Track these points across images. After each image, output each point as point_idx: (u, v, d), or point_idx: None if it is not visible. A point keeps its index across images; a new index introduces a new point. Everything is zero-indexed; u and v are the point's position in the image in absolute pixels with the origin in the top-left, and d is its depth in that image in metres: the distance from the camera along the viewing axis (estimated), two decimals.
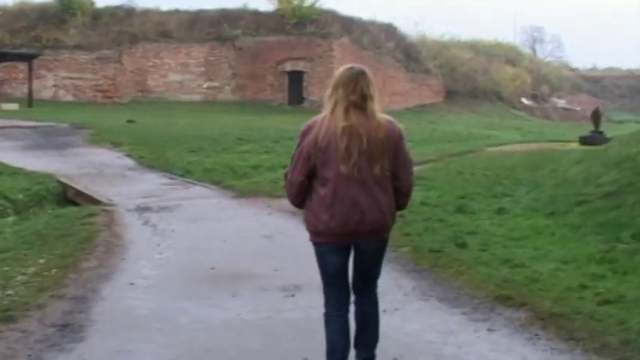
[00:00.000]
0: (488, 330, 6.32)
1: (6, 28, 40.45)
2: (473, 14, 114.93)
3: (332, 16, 43.41)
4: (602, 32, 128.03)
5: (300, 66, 41.96)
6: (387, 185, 4.90)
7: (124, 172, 17.25)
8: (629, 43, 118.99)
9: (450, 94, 52.29)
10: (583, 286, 7.43)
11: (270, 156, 20.07)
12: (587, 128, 29.40)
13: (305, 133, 4.91)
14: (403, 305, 7.00)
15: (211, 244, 9.90)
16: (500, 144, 27.16)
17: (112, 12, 42.50)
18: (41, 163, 17.60)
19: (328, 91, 4.92)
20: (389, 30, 49.20)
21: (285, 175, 5.07)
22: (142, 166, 18.34)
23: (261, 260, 8.94)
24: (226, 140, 23.00)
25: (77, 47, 39.71)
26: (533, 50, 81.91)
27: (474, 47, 59.32)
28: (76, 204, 13.90)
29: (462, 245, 9.43)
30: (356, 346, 5.20)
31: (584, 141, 25.98)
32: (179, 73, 41.98)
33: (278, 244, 9.96)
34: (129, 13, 42.70)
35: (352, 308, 5.22)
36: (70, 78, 39.74)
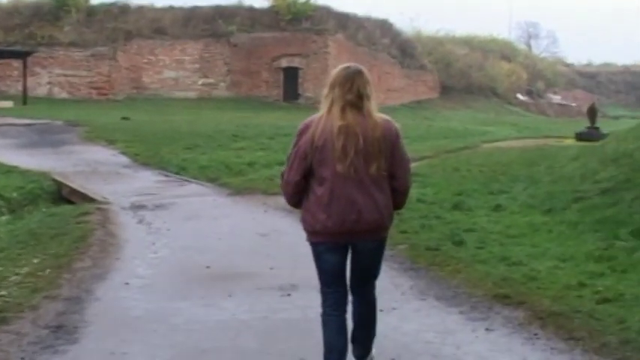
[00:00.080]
0: (487, 329, 6.26)
1: (0, 26, 40.28)
2: (468, 10, 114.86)
3: (327, 13, 43.32)
4: (597, 28, 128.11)
5: (296, 62, 41.89)
6: (384, 184, 4.88)
7: (119, 170, 17.16)
8: (624, 38, 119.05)
9: (446, 90, 52.27)
10: (582, 285, 7.39)
11: (265, 153, 19.98)
12: (583, 124, 29.42)
13: (302, 133, 4.87)
14: (400, 304, 6.94)
15: (206, 243, 9.83)
16: (496, 140, 27.12)
17: (107, 9, 42.34)
18: (36, 161, 17.51)
19: (325, 91, 4.89)
20: (384, 26, 49.11)
21: (282, 175, 5.03)
22: (136, 163, 18.25)
23: (257, 259, 8.87)
24: (221, 137, 22.90)
25: (72, 44, 39.54)
26: (529, 46, 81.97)
27: (469, 43, 59.30)
28: (70, 202, 13.82)
29: (459, 243, 9.38)
30: (352, 342, 5.22)
31: (580, 137, 25.97)
32: (174, 70, 41.86)
33: (274, 242, 9.89)
34: (123, 9, 42.55)
35: (350, 308, 5.18)
36: (65, 75, 39.59)
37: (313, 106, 39.81)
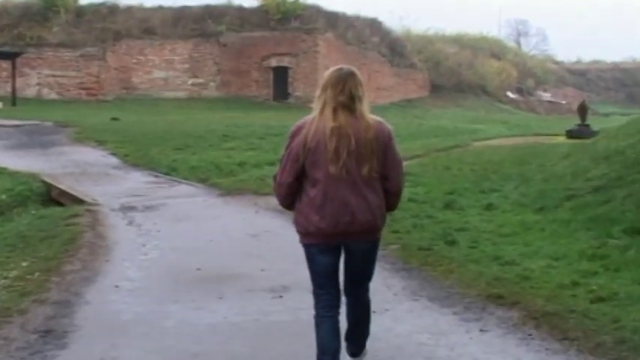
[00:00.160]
0: (481, 330, 6.20)
1: None
2: (457, 8, 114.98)
3: (316, 12, 43.26)
4: (586, 25, 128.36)
5: (285, 61, 41.81)
6: (377, 186, 4.86)
7: (109, 171, 17.06)
8: (613, 35, 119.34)
9: (436, 89, 52.26)
10: (575, 284, 7.34)
11: (256, 153, 19.92)
12: (573, 121, 29.42)
13: (294, 134, 4.87)
14: (393, 306, 6.88)
15: (197, 244, 9.75)
16: (487, 138, 27.10)
17: (96, 9, 42.17)
18: (25, 163, 17.40)
19: (317, 92, 4.89)
20: (373, 25, 49.08)
21: (274, 177, 5.01)
22: (126, 164, 18.15)
23: (248, 260, 8.80)
24: (212, 137, 22.80)
25: (61, 45, 39.39)
26: (518, 44, 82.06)
27: (459, 41, 59.31)
28: (60, 204, 13.72)
29: (452, 242, 9.33)
30: (346, 340, 5.26)
31: (571, 134, 25.97)
32: (163, 70, 41.73)
33: (265, 243, 9.81)
34: (112, 10, 42.38)
35: (343, 309, 5.16)
36: (54, 76, 39.43)
37: (303, 106, 39.75)
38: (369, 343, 5.39)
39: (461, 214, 11.42)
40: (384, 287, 7.33)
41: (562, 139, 25.47)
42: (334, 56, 40.67)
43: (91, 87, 39.26)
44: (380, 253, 5.26)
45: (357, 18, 47.33)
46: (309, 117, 4.88)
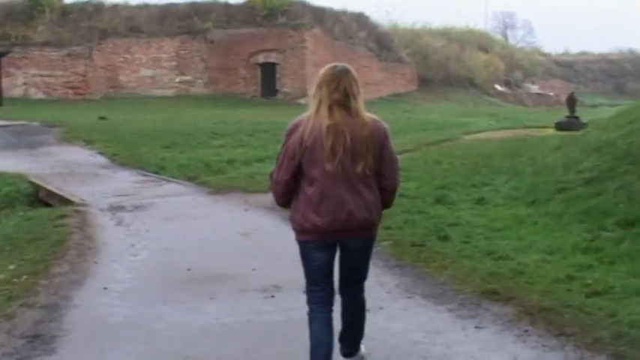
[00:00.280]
0: (476, 327, 6.12)
1: None
2: (444, 1, 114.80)
3: (303, 7, 43.14)
4: (572, 17, 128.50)
5: (273, 58, 41.67)
6: (372, 183, 4.89)
7: (97, 171, 16.91)
8: (600, 26, 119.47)
9: (424, 83, 52.14)
10: (570, 278, 7.29)
11: (245, 150, 19.84)
12: (562, 113, 29.41)
13: (290, 132, 4.88)
14: (387, 304, 6.79)
15: (187, 244, 9.63)
16: (477, 131, 27.10)
17: (81, 8, 41.91)
18: (12, 164, 17.22)
19: (312, 90, 4.92)
20: (360, 19, 48.98)
21: (271, 175, 5.02)
22: (115, 163, 18.01)
23: (239, 259, 8.70)
24: (200, 135, 22.68)
25: (46, 44, 39.14)
26: (505, 36, 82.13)
27: (446, 34, 59.23)
28: (48, 205, 13.59)
29: (444, 238, 9.25)
30: (340, 341, 5.26)
31: (560, 126, 25.93)
32: (151, 68, 41.54)
33: (255, 242, 9.70)
34: (98, 8, 42.14)
35: (338, 308, 5.12)
36: (41, 75, 39.18)
37: (291, 102, 39.59)
38: (364, 344, 5.32)
39: (452, 209, 11.35)
40: (377, 285, 7.23)
41: (551, 131, 25.45)
42: (322, 52, 40.58)
43: (78, 86, 39.02)
44: (373, 250, 5.20)
45: (344, 13, 47.21)
46: (304, 115, 4.89)
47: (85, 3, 42.35)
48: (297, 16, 42.03)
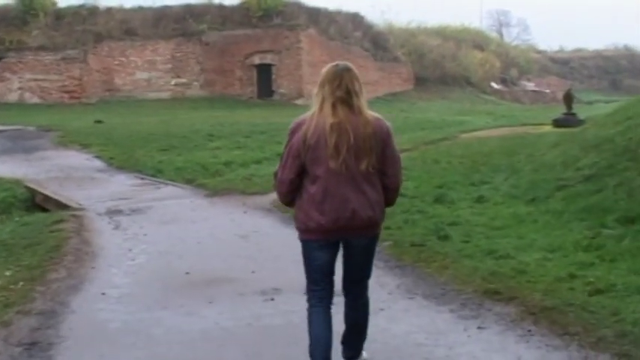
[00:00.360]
0: (479, 328, 6.06)
1: None
2: (438, 0, 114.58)
3: (298, 8, 43.04)
4: (567, 13, 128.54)
5: (268, 59, 41.54)
6: (376, 182, 4.91)
7: (94, 175, 16.83)
8: (595, 23, 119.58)
9: (420, 82, 52.08)
10: (572, 276, 7.23)
11: (242, 152, 19.75)
12: (558, 110, 29.36)
13: (294, 131, 4.90)
14: (388, 305, 6.72)
15: (185, 248, 9.56)
16: (474, 130, 27.03)
17: (75, 11, 41.76)
18: (8, 169, 17.16)
19: (315, 89, 4.94)
20: (355, 19, 48.90)
21: (275, 174, 5.03)
22: (111, 167, 17.93)
23: (238, 262, 8.64)
24: (197, 137, 22.58)
25: (41, 48, 38.99)
26: (500, 34, 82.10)
27: (442, 33, 59.18)
28: (44, 210, 13.50)
29: (444, 237, 9.19)
30: (343, 344, 5.25)
31: (557, 123, 25.90)
32: (146, 71, 41.40)
33: (254, 244, 9.63)
34: (92, 11, 41.98)
35: (340, 309, 5.14)
36: (36, 80, 39.02)
37: (288, 103, 39.47)
38: (366, 346, 5.27)
39: (452, 208, 11.29)
40: (378, 286, 7.14)
41: (548, 128, 25.41)
42: (317, 52, 40.50)
43: (74, 90, 38.87)
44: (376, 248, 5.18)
45: (339, 13, 47.11)
46: (308, 113, 4.91)
47: (80, 6, 42.22)
48: (292, 17, 41.94)
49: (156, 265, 8.72)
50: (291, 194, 4.97)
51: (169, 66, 41.73)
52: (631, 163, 10.80)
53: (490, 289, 6.91)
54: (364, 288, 5.19)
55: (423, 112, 38.24)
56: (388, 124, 4.97)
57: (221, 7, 43.71)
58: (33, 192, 14.60)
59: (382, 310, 6.51)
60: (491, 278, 7.27)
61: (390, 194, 5.05)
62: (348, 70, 4.89)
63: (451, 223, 10.08)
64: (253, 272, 8.11)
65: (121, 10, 42.85)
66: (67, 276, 8.15)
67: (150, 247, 9.57)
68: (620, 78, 70.50)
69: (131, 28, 41.41)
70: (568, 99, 27.81)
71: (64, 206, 13.04)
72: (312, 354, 4.94)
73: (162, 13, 42.84)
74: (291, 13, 42.09)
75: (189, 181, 15.54)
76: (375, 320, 5.83)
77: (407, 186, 12.84)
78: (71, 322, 6.61)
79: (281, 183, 4.96)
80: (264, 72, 41.44)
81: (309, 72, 39.75)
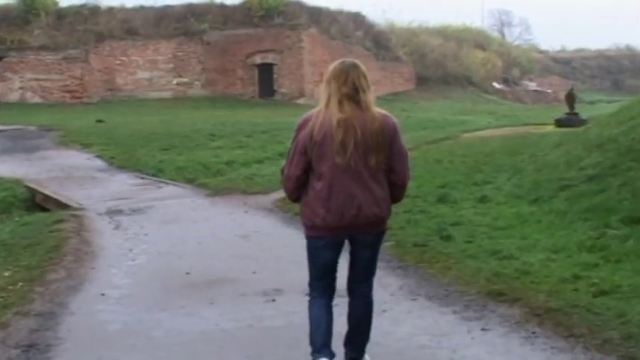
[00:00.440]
0: (483, 330, 5.97)
1: None
2: (440, 0, 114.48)
3: (299, 7, 42.98)
4: (569, 13, 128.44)
5: (270, 58, 41.49)
6: (382, 178, 4.90)
7: (95, 174, 16.78)
8: (596, 23, 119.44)
9: (422, 81, 52.04)
10: (576, 277, 7.16)
11: (243, 151, 19.69)
12: (560, 110, 29.31)
13: (300, 127, 4.90)
14: (391, 306, 6.64)
15: (186, 248, 9.49)
16: (476, 129, 26.99)
17: (77, 11, 41.72)
18: (8, 168, 17.12)
19: (322, 86, 4.94)
20: (357, 19, 48.85)
21: (282, 170, 5.03)
22: (112, 166, 17.88)
23: (239, 263, 8.57)
24: (198, 137, 22.52)
25: (42, 48, 38.95)
26: (502, 34, 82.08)
27: (443, 33, 59.14)
28: (45, 209, 13.44)
29: (447, 238, 9.12)
30: (345, 345, 5.19)
31: (560, 123, 25.85)
32: (148, 71, 41.35)
33: (255, 244, 9.55)
34: (93, 11, 41.94)
35: (343, 311, 5.12)
36: (37, 79, 38.97)
37: (289, 102, 39.38)
38: (368, 349, 5.19)
39: (455, 208, 11.22)
40: (380, 287, 7.04)
41: (551, 128, 25.35)
42: (319, 52, 40.44)
43: (75, 89, 38.82)
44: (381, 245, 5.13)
45: (341, 12, 47.06)
46: (314, 110, 4.91)
47: (81, 6, 42.18)
48: (294, 16, 41.87)
49: (156, 265, 8.65)
50: (297, 191, 4.96)
51: (171, 65, 41.68)
52: (635, 163, 10.73)
53: (494, 290, 6.83)
54: (369, 287, 5.16)
55: (424, 111, 38.19)
56: (395, 120, 4.96)
57: (222, 6, 43.68)
58: (33, 192, 14.55)
59: (385, 311, 6.43)
60: (494, 279, 7.20)
61: (397, 190, 5.03)
62: (354, 66, 4.90)
63: (454, 223, 10.00)
64: (254, 273, 8.04)
65: (122, 9, 42.82)
66: (66, 276, 8.08)
67: (150, 247, 9.50)
68: (622, 78, 70.42)
69: (133, 27, 41.37)
70: (570, 99, 27.75)
71: (64, 206, 12.99)
72: (312, 340, 4.95)
73: (164, 12, 42.80)
74: (293, 12, 42.03)
75: (190, 181, 15.49)
76: (377, 322, 5.75)
77: (409, 185, 12.74)
78: (70, 323, 6.53)
79: (288, 179, 4.96)
80: (266, 71, 41.38)
81: (310, 71, 39.72)
